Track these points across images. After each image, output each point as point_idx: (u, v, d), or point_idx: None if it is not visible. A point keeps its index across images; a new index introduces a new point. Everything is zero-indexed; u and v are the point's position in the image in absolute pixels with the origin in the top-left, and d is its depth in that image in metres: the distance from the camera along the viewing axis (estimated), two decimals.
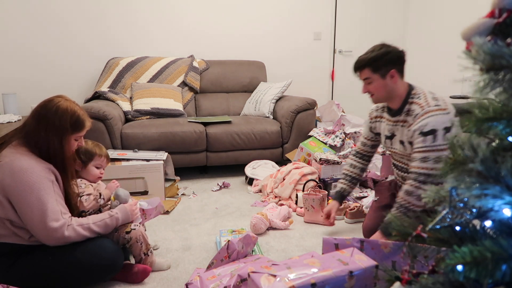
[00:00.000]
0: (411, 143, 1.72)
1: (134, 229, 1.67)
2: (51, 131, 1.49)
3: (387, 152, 2.01)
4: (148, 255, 1.74)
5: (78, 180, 1.70)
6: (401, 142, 1.80)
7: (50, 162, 1.50)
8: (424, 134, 1.62)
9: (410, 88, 1.77)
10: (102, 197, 1.72)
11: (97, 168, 1.75)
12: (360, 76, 1.79)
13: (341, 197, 2.11)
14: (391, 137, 1.86)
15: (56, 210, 1.45)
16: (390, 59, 1.71)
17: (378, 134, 1.99)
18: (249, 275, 1.24)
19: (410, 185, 1.67)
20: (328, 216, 2.13)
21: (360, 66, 1.77)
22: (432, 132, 1.60)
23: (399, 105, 1.78)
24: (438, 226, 0.78)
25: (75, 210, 1.59)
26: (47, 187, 1.45)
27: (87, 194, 1.67)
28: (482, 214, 0.77)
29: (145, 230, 1.83)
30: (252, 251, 1.84)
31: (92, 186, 1.73)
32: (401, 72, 1.75)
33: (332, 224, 2.17)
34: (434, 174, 1.63)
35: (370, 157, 2.09)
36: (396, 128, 1.82)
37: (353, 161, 2.10)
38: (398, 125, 1.80)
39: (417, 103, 1.71)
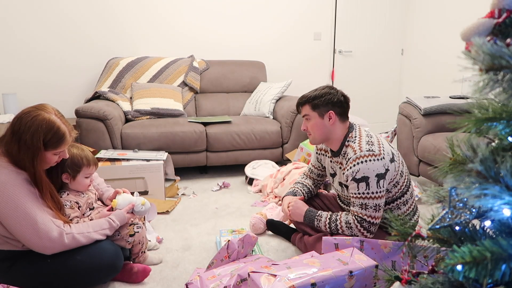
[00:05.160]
0: (347, 186, 1.71)
1: (138, 231, 1.68)
2: (22, 148, 1.39)
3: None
4: (144, 252, 1.77)
5: (64, 197, 1.61)
6: (340, 184, 1.78)
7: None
8: (357, 180, 1.60)
9: (349, 131, 1.74)
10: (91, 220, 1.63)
11: (86, 177, 1.66)
12: (301, 112, 1.79)
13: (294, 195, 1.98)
14: (333, 175, 1.85)
15: (46, 221, 1.39)
16: (330, 100, 1.71)
17: (324, 168, 1.97)
18: (249, 275, 1.24)
19: (355, 224, 1.64)
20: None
21: (301, 102, 1.77)
22: (364, 179, 1.59)
23: (337, 148, 1.76)
24: (438, 226, 0.79)
25: (62, 219, 1.49)
26: (32, 199, 1.39)
27: (76, 217, 1.59)
28: (482, 214, 0.77)
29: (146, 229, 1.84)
30: (252, 251, 1.84)
31: (78, 203, 1.63)
32: (341, 115, 1.73)
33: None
34: (376, 223, 1.64)
35: (317, 183, 2.03)
36: (337, 167, 1.80)
37: (302, 180, 2.04)
38: (338, 166, 1.78)
39: (351, 146, 1.68)
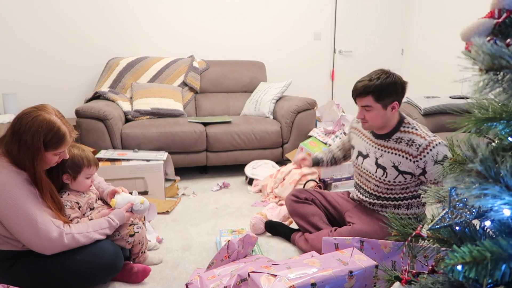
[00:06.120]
0: (407, 173, 1.69)
1: (138, 232, 1.68)
2: (22, 149, 1.39)
3: (354, 169, 1.99)
4: (144, 252, 1.77)
5: (65, 197, 1.61)
6: (380, 167, 1.74)
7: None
8: (440, 162, 1.62)
9: (402, 117, 1.74)
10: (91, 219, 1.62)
11: (87, 178, 1.66)
12: (360, 102, 1.67)
13: (317, 162, 2.13)
14: (365, 156, 1.82)
15: (46, 221, 1.39)
16: (395, 91, 1.63)
17: (352, 147, 1.96)
18: (249, 275, 1.24)
19: None
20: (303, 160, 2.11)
21: (364, 92, 1.63)
22: (446, 158, 1.62)
23: (387, 132, 1.74)
24: (438, 226, 0.79)
25: (61, 219, 1.49)
26: (32, 199, 1.39)
27: (76, 217, 1.59)
28: (482, 214, 0.77)
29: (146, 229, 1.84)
30: (252, 251, 1.85)
31: (79, 203, 1.63)
32: (400, 103, 1.69)
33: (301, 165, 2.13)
34: None
35: (338, 161, 2.14)
36: (376, 150, 1.77)
37: (331, 148, 2.18)
38: (382, 149, 1.75)
39: (414, 133, 1.68)
